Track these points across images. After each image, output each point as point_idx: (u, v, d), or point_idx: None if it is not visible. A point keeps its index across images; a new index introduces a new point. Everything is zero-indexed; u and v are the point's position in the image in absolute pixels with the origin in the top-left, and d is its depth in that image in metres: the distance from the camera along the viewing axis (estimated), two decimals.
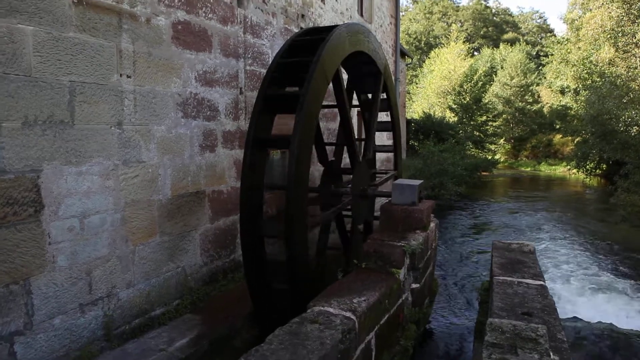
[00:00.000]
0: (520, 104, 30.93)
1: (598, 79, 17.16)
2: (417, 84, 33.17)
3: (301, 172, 3.33)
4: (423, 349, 4.42)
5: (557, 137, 28.44)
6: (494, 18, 52.99)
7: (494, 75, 31.57)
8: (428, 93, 28.24)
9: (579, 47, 20.86)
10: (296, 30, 5.65)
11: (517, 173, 25.42)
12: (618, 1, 15.94)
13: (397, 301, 3.49)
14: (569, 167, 22.48)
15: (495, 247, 4.51)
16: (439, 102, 26.58)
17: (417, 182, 4.45)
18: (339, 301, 2.87)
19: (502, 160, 28.09)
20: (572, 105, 23.48)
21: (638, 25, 16.04)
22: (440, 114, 23.42)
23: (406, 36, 44.45)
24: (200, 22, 4.06)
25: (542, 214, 12.79)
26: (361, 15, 9.18)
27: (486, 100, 25.71)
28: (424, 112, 24.02)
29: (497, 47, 40.15)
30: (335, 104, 4.35)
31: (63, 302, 2.90)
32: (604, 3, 16.87)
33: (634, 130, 13.57)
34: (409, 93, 31.16)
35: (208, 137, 4.22)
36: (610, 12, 16.56)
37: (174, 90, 3.78)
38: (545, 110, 30.99)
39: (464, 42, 31.87)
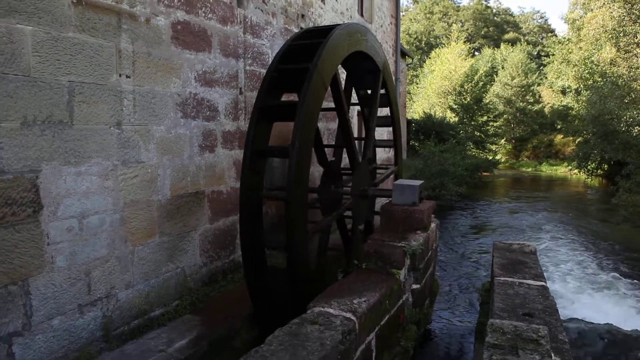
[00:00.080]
0: (521, 104, 30.88)
1: (599, 79, 17.12)
2: (417, 84, 33.14)
3: (301, 175, 3.32)
4: (424, 349, 4.41)
5: (559, 138, 28.40)
6: (495, 18, 52.95)
7: (494, 76, 31.54)
8: (429, 93, 28.21)
9: (580, 47, 20.82)
10: (296, 30, 5.64)
11: (518, 173, 25.37)
12: (619, 1, 15.90)
13: (397, 302, 3.48)
14: (570, 167, 22.45)
15: (496, 247, 4.49)
16: (440, 102, 26.55)
17: (418, 182, 4.43)
18: (339, 302, 2.86)
19: (503, 160, 28.03)
20: (574, 105, 23.45)
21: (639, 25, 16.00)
22: (440, 114, 23.38)
23: (407, 36, 44.45)
24: (200, 22, 4.05)
25: (543, 214, 12.76)
26: (361, 15, 9.16)
27: (487, 101, 25.68)
28: (424, 112, 23.98)
29: (498, 47, 40.10)
30: (334, 106, 4.33)
31: (62, 303, 2.89)
32: (605, 3, 16.83)
33: (636, 130, 13.53)
34: (410, 93, 31.14)
35: (207, 137, 4.21)
36: (611, 12, 16.51)
37: (174, 90, 3.77)
38: (546, 110, 30.94)
39: (464, 42, 31.88)
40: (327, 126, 6.68)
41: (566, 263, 8.07)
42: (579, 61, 19.86)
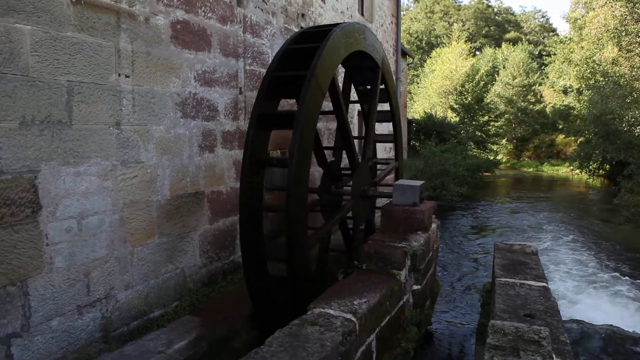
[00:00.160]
0: (522, 103, 30.83)
1: (601, 79, 17.08)
2: (418, 83, 33.10)
3: (300, 184, 3.32)
4: (424, 351, 4.39)
5: (560, 138, 28.34)
6: (496, 17, 52.87)
7: (496, 75, 31.51)
8: (429, 93, 28.17)
9: (582, 47, 20.76)
10: (296, 29, 5.62)
11: (520, 173, 25.34)
12: (621, 0, 15.85)
13: (398, 303, 3.46)
14: (571, 167, 22.42)
15: (497, 248, 4.47)
16: (441, 102, 26.51)
17: (419, 182, 4.42)
18: (339, 303, 2.84)
19: (504, 160, 28.00)
20: (575, 105, 23.41)
21: None
22: (441, 114, 23.36)
23: (407, 36, 44.41)
24: (200, 21, 4.03)
25: (544, 215, 12.74)
26: (362, 14, 9.15)
27: (488, 100, 25.66)
28: (425, 112, 23.96)
29: (499, 46, 40.04)
30: (333, 109, 4.30)
31: (61, 304, 2.88)
32: (607, 2, 16.76)
33: (638, 130, 13.48)
34: (410, 93, 31.10)
35: (207, 137, 4.19)
36: (613, 11, 16.45)
37: (173, 90, 3.76)
38: (547, 110, 30.88)
39: (465, 41, 31.81)
40: (327, 126, 6.67)
41: (568, 263, 8.04)
42: (580, 61, 19.81)
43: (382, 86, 5.31)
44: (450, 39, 32.28)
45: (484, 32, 49.72)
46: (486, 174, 20.91)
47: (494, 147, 26.17)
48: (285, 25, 5.51)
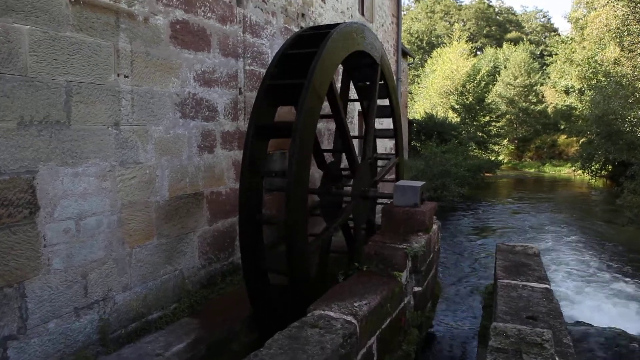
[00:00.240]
0: (524, 104, 30.77)
1: (603, 79, 17.03)
2: (419, 84, 33.07)
3: (301, 176, 3.29)
4: (425, 353, 4.36)
5: (562, 138, 28.27)
6: (497, 17, 52.81)
7: (497, 75, 31.45)
8: (430, 93, 28.14)
9: (584, 47, 20.71)
10: (296, 29, 5.60)
11: (521, 174, 25.27)
12: (623, 0, 15.80)
13: (399, 305, 3.43)
14: (573, 168, 22.34)
15: (499, 249, 4.44)
16: (442, 102, 26.47)
17: (419, 183, 4.38)
18: (339, 305, 2.81)
19: (505, 161, 27.93)
20: (577, 105, 23.34)
21: None
22: (442, 115, 23.31)
23: (408, 35, 44.40)
24: (199, 21, 4.01)
25: (546, 215, 12.69)
26: (362, 14, 9.12)
27: (489, 101, 25.62)
28: (426, 112, 23.91)
29: (500, 46, 39.99)
30: (332, 113, 4.27)
31: (58, 306, 2.86)
32: (609, 2, 16.71)
33: None
34: (411, 93, 31.07)
35: (206, 137, 4.17)
36: (615, 11, 16.41)
37: (172, 90, 3.74)
38: (549, 110, 30.81)
39: (466, 41, 31.83)
40: (327, 126, 6.64)
41: (570, 264, 8.00)
42: (582, 61, 19.76)
43: (382, 82, 5.29)
44: (451, 39, 32.29)
45: (485, 32, 49.67)
46: (487, 174, 20.85)
47: (495, 148, 26.11)
48: (285, 25, 5.49)
